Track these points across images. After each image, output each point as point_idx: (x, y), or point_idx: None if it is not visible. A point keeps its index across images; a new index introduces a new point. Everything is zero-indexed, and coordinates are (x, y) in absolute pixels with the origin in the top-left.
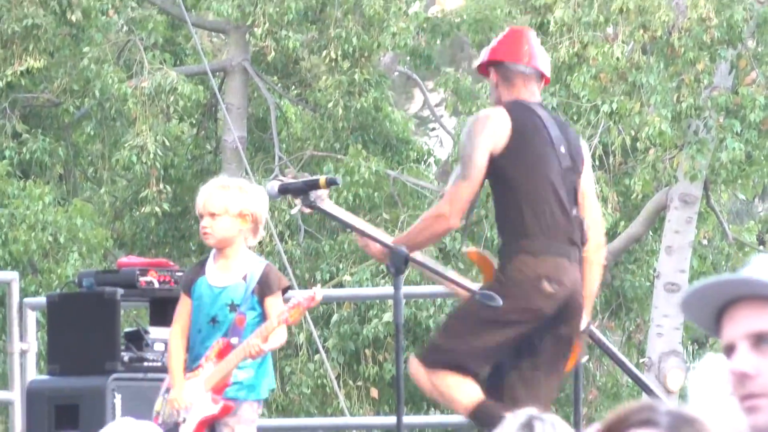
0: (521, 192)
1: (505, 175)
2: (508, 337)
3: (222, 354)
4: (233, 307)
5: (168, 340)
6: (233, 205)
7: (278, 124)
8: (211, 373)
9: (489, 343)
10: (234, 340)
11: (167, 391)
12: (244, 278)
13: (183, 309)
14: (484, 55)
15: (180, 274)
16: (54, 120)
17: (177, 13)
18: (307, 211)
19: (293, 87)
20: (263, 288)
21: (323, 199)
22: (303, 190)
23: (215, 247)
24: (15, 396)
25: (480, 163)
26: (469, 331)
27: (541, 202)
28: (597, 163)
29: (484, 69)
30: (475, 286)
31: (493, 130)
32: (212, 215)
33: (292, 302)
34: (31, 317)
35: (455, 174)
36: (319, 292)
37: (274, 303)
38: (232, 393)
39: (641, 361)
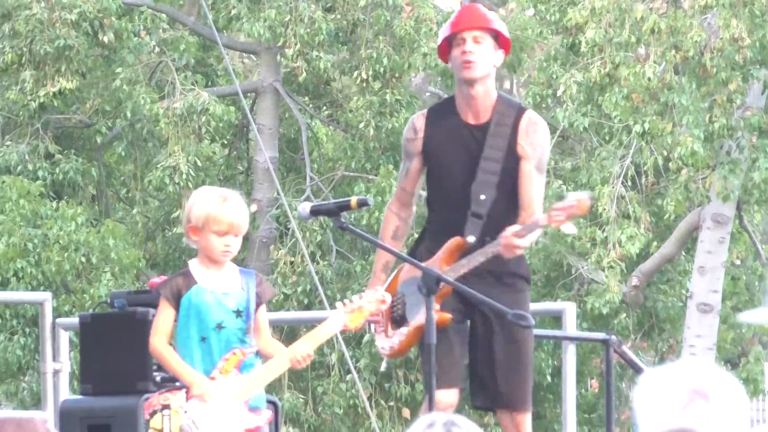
0: None
1: None
2: None
3: (240, 364)
4: (239, 314)
5: (156, 351)
6: (246, 224)
7: (309, 144)
8: (246, 382)
9: None
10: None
11: (164, 408)
12: (242, 287)
13: (167, 319)
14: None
15: None
16: (86, 141)
17: (208, 34)
18: None
19: (324, 107)
20: (260, 297)
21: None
22: (334, 212)
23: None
24: (48, 416)
25: None
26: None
27: None
28: (629, 183)
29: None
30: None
31: None
32: (236, 235)
33: (349, 306)
34: (64, 337)
35: (541, 181)
36: (387, 296)
37: (263, 312)
38: (258, 403)
39: None
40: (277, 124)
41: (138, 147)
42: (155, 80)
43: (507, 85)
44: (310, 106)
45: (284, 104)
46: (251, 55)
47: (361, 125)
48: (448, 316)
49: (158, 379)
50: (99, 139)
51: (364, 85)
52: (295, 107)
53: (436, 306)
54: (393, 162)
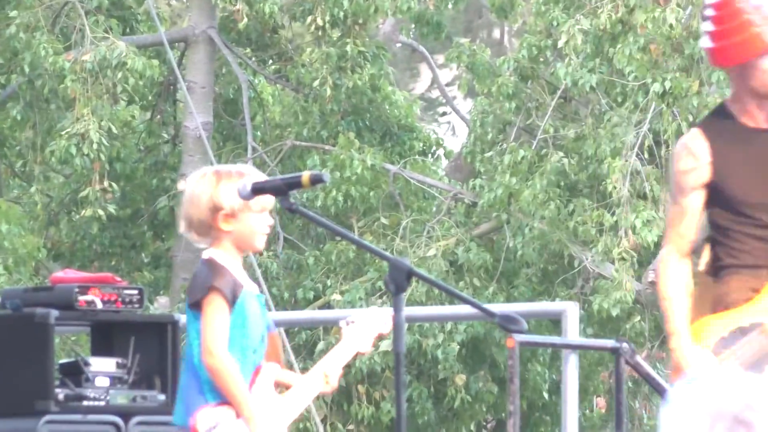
0: None
1: None
2: None
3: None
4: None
5: (223, 370)
6: None
7: (252, 107)
8: (290, 405)
9: None
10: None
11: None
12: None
13: (228, 324)
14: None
15: (130, 292)
16: None
17: None
18: None
19: (270, 61)
20: None
21: None
22: (282, 190)
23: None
24: None
25: None
26: None
27: None
28: (646, 155)
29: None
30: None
31: None
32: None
33: (367, 326)
34: None
35: None
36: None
37: None
38: None
39: None
40: (212, 82)
41: (38, 109)
42: (59, 26)
43: (496, 34)
44: (253, 59)
45: (221, 57)
46: None
47: (316, 83)
48: None
49: (62, 397)
50: None
51: (320, 33)
52: (234, 61)
53: None
54: (355, 129)
